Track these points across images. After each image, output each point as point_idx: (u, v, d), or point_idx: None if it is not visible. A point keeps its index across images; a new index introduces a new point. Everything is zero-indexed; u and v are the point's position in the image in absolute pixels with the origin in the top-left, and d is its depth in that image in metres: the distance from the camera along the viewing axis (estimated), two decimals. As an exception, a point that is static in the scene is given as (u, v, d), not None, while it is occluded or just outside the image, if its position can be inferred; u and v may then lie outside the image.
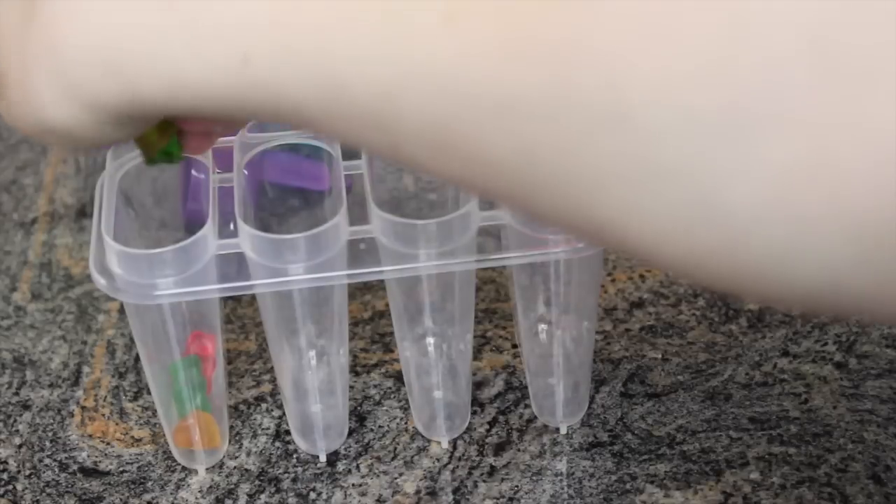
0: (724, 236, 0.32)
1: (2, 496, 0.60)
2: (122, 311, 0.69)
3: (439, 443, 0.62)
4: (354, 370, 0.65)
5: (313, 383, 0.60)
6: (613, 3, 0.32)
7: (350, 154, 0.57)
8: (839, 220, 0.31)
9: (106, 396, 0.65)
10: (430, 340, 0.60)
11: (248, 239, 0.53)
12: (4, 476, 0.61)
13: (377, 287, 0.68)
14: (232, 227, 0.55)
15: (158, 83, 0.40)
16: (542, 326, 0.61)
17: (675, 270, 0.35)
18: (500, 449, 0.61)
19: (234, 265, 0.54)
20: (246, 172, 0.57)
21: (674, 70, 0.31)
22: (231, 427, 0.62)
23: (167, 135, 0.47)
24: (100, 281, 0.53)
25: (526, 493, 0.59)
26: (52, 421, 0.64)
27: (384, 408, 0.64)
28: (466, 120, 0.35)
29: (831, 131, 0.30)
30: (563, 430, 0.62)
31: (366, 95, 0.36)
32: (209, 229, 0.53)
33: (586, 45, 0.32)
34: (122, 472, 0.61)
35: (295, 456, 0.62)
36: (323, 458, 0.61)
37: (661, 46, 0.31)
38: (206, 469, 0.61)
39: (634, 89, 0.32)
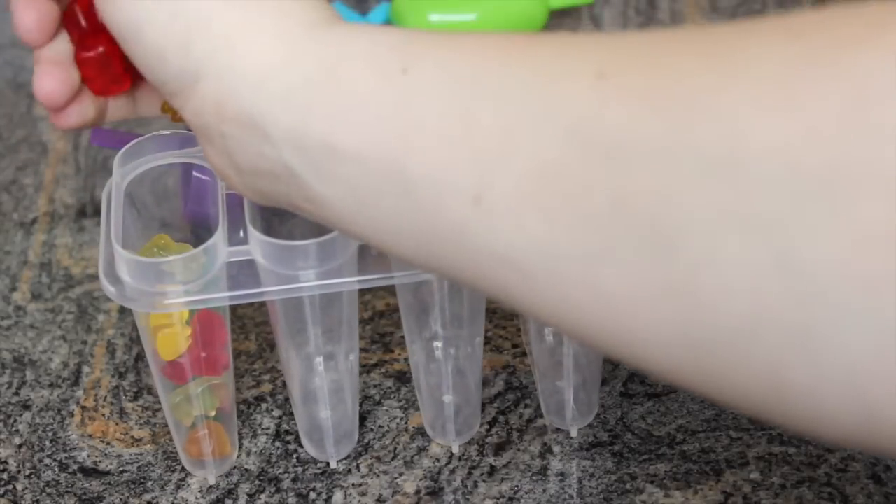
0: (796, 292, 0.34)
1: (2, 496, 0.60)
2: (122, 311, 0.69)
3: (441, 445, 0.62)
4: (354, 370, 0.65)
5: (322, 389, 0.60)
6: (744, 69, 0.36)
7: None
8: None
9: (106, 396, 0.65)
10: (439, 344, 0.60)
11: (258, 246, 0.53)
12: (4, 476, 0.61)
13: (378, 287, 0.68)
14: (242, 233, 0.55)
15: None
16: (551, 328, 0.61)
17: (732, 331, 0.36)
18: (500, 449, 0.61)
19: (238, 269, 0.54)
20: None
21: (791, 130, 0.34)
22: (231, 427, 0.63)
23: None
24: (109, 289, 0.53)
25: (526, 493, 0.59)
26: (52, 421, 0.64)
27: (384, 408, 0.64)
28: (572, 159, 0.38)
29: None
30: (574, 434, 0.62)
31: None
32: (220, 237, 0.53)
33: (713, 100, 0.36)
34: (122, 472, 0.61)
35: (295, 456, 0.62)
36: (333, 464, 0.61)
37: (785, 108, 0.34)
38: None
39: (751, 142, 0.34)
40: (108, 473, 0.61)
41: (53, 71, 0.53)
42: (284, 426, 0.63)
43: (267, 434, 0.63)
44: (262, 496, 0.60)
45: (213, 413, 0.59)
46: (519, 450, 0.61)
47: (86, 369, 0.66)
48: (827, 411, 0.35)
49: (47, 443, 0.63)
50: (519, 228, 0.39)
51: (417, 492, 0.60)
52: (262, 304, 0.65)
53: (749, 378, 0.36)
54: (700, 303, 0.36)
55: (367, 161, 0.43)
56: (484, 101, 0.41)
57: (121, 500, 0.60)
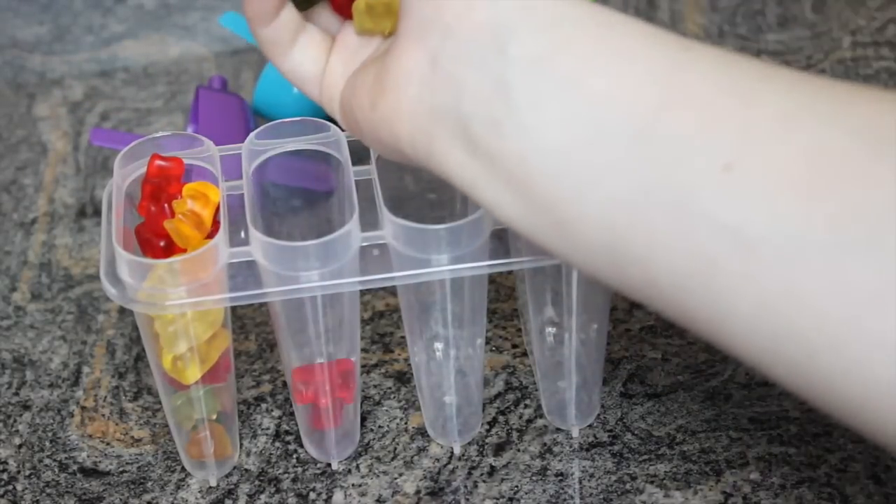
0: None
1: (2, 496, 0.60)
2: (122, 311, 0.69)
3: (441, 445, 0.62)
4: (354, 370, 0.65)
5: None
6: None
7: (358, 159, 0.57)
8: None
9: (106, 396, 0.65)
10: (440, 345, 0.60)
11: (259, 246, 0.53)
12: (4, 476, 0.61)
13: (377, 287, 0.68)
14: (242, 234, 0.55)
15: None
16: (551, 329, 0.61)
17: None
18: (500, 449, 0.62)
19: (240, 270, 0.54)
20: (251, 175, 0.57)
21: None
22: (231, 427, 0.63)
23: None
24: (110, 290, 0.53)
25: (526, 493, 0.59)
26: (52, 421, 0.64)
27: (384, 408, 0.64)
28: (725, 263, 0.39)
29: None
30: (575, 434, 0.62)
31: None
32: (221, 238, 0.53)
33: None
34: (122, 472, 0.61)
35: (295, 456, 0.62)
36: (335, 465, 0.61)
37: None
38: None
39: None
40: (108, 474, 0.61)
41: None
42: (284, 426, 0.63)
43: (267, 434, 0.63)
44: (262, 496, 0.60)
45: (214, 416, 0.59)
46: (519, 450, 0.61)
47: (86, 369, 0.66)
48: None
49: (47, 443, 0.63)
50: (767, 205, 0.38)
51: (417, 492, 0.60)
52: (262, 304, 0.65)
53: None
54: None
55: (614, 104, 0.41)
56: (765, 88, 0.40)
57: (121, 500, 0.60)
